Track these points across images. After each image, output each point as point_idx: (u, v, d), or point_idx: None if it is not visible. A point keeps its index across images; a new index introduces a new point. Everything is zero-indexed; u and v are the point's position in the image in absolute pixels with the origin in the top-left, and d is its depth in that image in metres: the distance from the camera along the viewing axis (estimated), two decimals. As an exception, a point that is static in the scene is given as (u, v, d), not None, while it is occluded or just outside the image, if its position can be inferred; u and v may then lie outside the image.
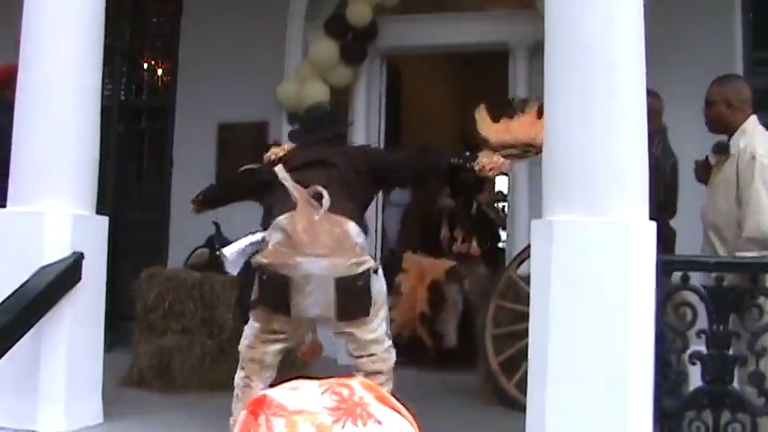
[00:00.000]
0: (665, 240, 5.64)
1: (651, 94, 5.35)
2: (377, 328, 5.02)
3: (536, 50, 8.01)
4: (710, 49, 8.06)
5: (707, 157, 5.70)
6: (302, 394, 1.17)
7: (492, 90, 9.67)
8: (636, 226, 4.45)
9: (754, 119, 5.48)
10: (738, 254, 5.13)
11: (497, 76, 9.63)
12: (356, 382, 1.20)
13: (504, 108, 7.03)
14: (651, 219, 4.55)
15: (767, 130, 5.46)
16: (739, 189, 5.26)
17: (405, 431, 1.17)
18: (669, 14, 7.62)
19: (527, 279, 5.42)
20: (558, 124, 4.58)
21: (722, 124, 5.53)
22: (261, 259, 4.87)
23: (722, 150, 5.50)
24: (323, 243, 4.73)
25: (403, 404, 1.21)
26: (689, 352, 4.77)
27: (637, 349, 4.35)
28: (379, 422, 1.15)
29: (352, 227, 4.82)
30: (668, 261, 4.75)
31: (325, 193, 4.75)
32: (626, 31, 4.55)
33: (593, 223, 4.42)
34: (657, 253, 4.50)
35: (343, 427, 1.12)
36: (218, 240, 8.37)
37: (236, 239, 5.25)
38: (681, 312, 4.81)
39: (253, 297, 5.09)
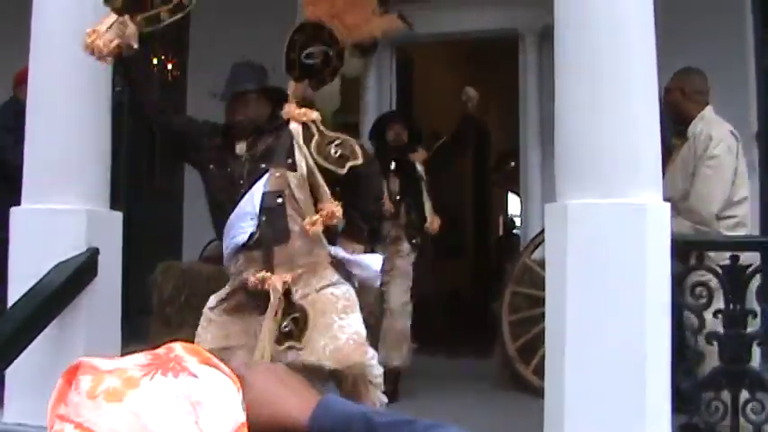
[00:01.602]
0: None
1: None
2: None
3: (545, 36, 8.00)
4: (721, 29, 8.03)
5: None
6: (121, 359, 1.16)
7: (503, 77, 9.65)
8: (650, 207, 4.44)
9: (709, 108, 5.93)
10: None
11: (508, 63, 9.62)
12: (178, 345, 1.19)
13: None
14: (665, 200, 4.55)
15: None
16: (695, 168, 5.66)
17: (223, 385, 1.15)
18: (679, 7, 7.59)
19: (542, 264, 5.42)
20: (569, 108, 4.57)
21: (675, 111, 5.93)
22: None
23: (679, 135, 5.97)
24: None
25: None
26: (705, 332, 4.77)
27: (654, 331, 4.34)
28: (195, 375, 1.13)
29: None
30: (684, 241, 4.75)
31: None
32: (636, 12, 4.54)
33: (607, 205, 4.41)
34: (672, 233, 4.50)
35: (151, 379, 1.10)
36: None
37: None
38: (697, 293, 4.80)
39: None
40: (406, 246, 7.20)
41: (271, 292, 4.41)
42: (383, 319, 6.96)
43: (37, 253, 5.37)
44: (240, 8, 9.77)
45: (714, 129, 5.75)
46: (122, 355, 1.19)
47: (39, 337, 5.12)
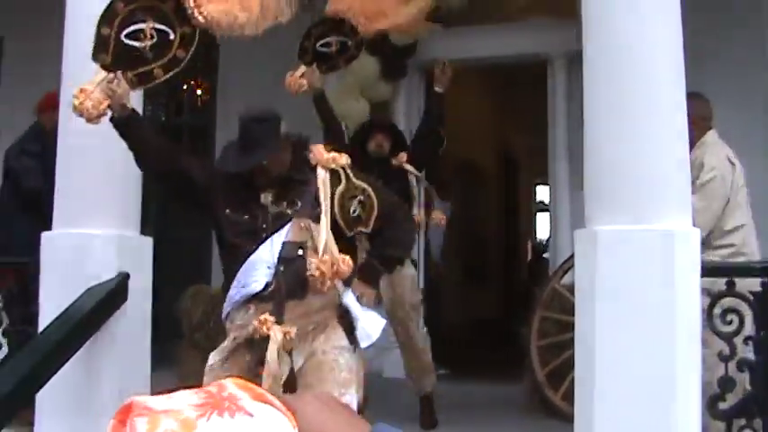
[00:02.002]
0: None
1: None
2: None
3: (574, 61, 8.00)
4: (747, 50, 8.04)
5: None
6: (172, 397, 1.15)
7: (532, 102, 9.66)
8: (680, 233, 4.42)
9: (712, 133, 5.91)
10: None
11: (537, 88, 9.63)
12: (230, 382, 1.18)
13: None
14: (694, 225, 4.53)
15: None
16: None
17: (278, 423, 1.14)
18: (705, 19, 7.59)
19: (571, 289, 5.40)
20: (598, 133, 4.57)
21: None
22: None
23: None
24: None
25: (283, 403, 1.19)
26: (736, 359, 4.74)
27: (684, 358, 4.32)
28: (250, 414, 1.12)
29: None
30: (713, 267, 4.73)
31: None
32: (664, 36, 4.54)
33: (636, 231, 4.40)
34: (702, 259, 4.49)
35: (208, 420, 1.09)
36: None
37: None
38: (728, 319, 4.77)
39: None
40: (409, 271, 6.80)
41: (270, 342, 4.03)
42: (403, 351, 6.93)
43: (67, 278, 5.40)
44: (268, 32, 9.81)
45: (707, 155, 5.74)
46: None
47: (69, 362, 5.14)
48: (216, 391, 1.17)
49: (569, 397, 4.98)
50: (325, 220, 4.16)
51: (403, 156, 6.89)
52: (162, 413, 1.12)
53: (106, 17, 4.17)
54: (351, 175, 4.30)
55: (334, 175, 4.28)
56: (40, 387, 5.01)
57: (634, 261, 4.38)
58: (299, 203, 4.26)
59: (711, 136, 5.91)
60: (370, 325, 4.30)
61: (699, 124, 5.72)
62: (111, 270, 5.45)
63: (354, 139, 7.14)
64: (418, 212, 6.96)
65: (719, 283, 4.77)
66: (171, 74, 4.33)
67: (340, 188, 4.25)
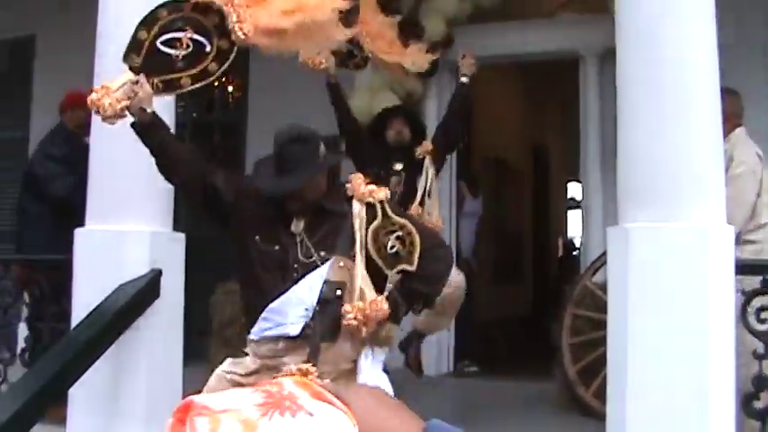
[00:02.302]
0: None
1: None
2: None
3: (607, 57, 7.96)
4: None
5: None
6: (230, 395, 1.15)
7: (564, 99, 9.62)
8: (713, 230, 4.39)
9: (740, 130, 5.89)
10: None
11: (569, 85, 9.59)
12: (289, 380, 1.18)
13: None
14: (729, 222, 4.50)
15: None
16: None
17: (339, 422, 1.15)
18: (739, 11, 7.55)
19: (603, 287, 5.37)
20: (632, 130, 4.54)
21: None
22: None
23: None
24: None
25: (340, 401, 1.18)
26: (772, 357, 4.71)
27: (717, 356, 4.29)
28: (311, 413, 1.12)
29: None
30: (748, 265, 4.69)
31: None
32: (698, 29, 4.51)
33: (669, 229, 4.37)
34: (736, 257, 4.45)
35: (270, 419, 1.09)
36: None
37: None
38: (762, 317, 4.74)
39: None
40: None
41: None
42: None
43: (100, 274, 5.43)
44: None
45: (737, 149, 5.74)
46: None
47: (101, 358, 5.16)
48: (276, 390, 1.18)
49: (601, 394, 4.96)
50: (360, 260, 3.89)
51: (427, 145, 6.69)
52: (222, 413, 1.14)
53: (146, 21, 4.14)
54: (388, 209, 4.01)
55: (370, 210, 4.00)
56: (72, 384, 5.04)
57: (667, 259, 4.35)
58: (333, 240, 3.98)
59: (740, 132, 5.90)
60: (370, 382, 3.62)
61: (730, 120, 5.64)
62: (144, 267, 5.48)
63: (372, 130, 7.00)
64: (434, 211, 6.68)
65: (754, 281, 4.74)
66: (198, 85, 4.23)
67: (375, 224, 3.96)
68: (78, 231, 5.59)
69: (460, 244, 10.16)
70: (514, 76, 13.71)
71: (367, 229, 3.94)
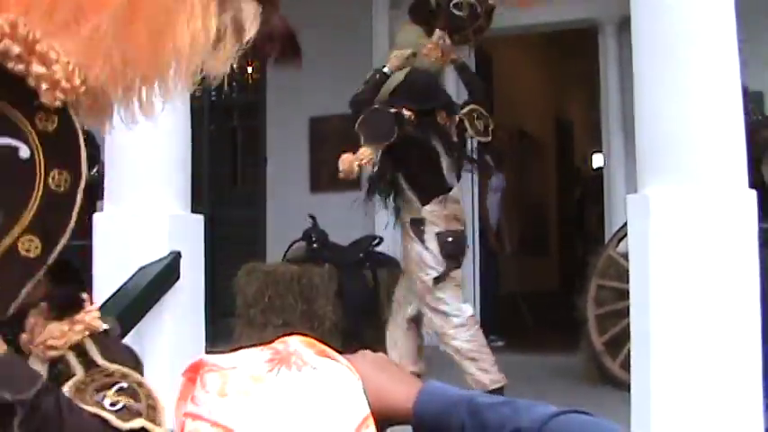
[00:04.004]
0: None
1: None
2: None
3: (625, 25, 7.90)
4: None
5: None
6: (239, 354, 1.18)
7: (583, 69, 9.57)
8: (735, 195, 4.33)
9: None
10: None
11: (588, 55, 9.54)
12: (294, 338, 1.20)
13: None
14: (751, 187, 4.43)
15: None
16: None
17: (342, 376, 1.17)
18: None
19: (627, 256, 5.33)
20: (648, 95, 4.47)
21: None
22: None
23: None
24: None
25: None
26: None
27: (742, 325, 4.23)
28: (315, 368, 1.15)
29: None
30: (771, 230, 4.64)
31: None
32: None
33: (690, 194, 4.31)
34: (759, 222, 4.38)
35: (277, 374, 1.12)
36: (315, 233, 8.43)
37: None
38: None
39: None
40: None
41: None
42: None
43: (120, 257, 5.43)
44: (317, 7, 9.83)
45: None
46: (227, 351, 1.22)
47: (123, 341, 5.17)
48: (282, 347, 1.20)
49: (628, 365, 4.92)
50: None
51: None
52: (231, 369, 1.16)
53: None
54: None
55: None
56: (95, 367, 5.05)
57: (687, 225, 4.29)
58: None
59: None
60: None
61: None
62: (164, 249, 5.47)
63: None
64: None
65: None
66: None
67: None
68: (97, 216, 5.59)
69: (485, 219, 10.13)
70: (536, 48, 13.64)
71: None
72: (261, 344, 1.21)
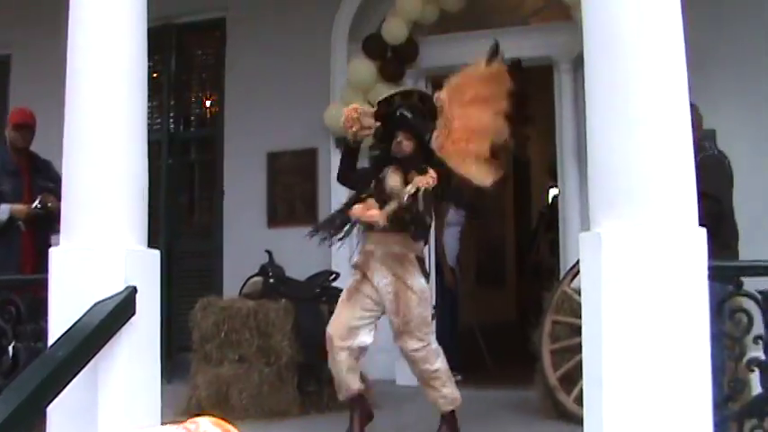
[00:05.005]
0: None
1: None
2: None
3: (580, 63, 7.98)
4: (753, 48, 8.03)
5: None
6: (156, 430, 1.22)
7: (539, 106, 9.65)
8: (685, 233, 4.39)
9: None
10: None
11: (544, 92, 9.62)
12: (205, 419, 1.23)
13: None
14: (701, 225, 4.49)
15: None
16: None
17: None
18: (708, 18, 7.60)
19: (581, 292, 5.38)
20: (600, 134, 4.53)
21: None
22: None
23: None
24: None
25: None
26: (746, 359, 4.71)
27: (692, 358, 4.28)
28: None
29: None
30: (719, 267, 4.69)
31: None
32: (665, 35, 4.51)
33: (641, 233, 4.36)
34: (709, 259, 4.44)
35: None
36: (271, 268, 8.42)
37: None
38: (736, 319, 4.75)
39: None
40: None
41: None
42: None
43: (75, 293, 5.40)
44: (274, 41, 9.87)
45: None
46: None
47: (78, 376, 5.14)
48: (193, 427, 1.23)
49: (582, 400, 4.96)
50: None
51: None
52: None
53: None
54: None
55: None
56: (49, 402, 5.01)
57: (639, 263, 4.34)
58: None
59: None
60: None
61: None
62: (119, 284, 5.45)
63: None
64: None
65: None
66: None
67: None
68: (53, 250, 5.57)
69: (445, 252, 10.19)
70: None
71: None
72: (175, 422, 1.23)
